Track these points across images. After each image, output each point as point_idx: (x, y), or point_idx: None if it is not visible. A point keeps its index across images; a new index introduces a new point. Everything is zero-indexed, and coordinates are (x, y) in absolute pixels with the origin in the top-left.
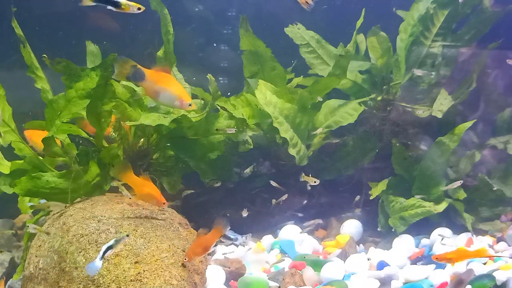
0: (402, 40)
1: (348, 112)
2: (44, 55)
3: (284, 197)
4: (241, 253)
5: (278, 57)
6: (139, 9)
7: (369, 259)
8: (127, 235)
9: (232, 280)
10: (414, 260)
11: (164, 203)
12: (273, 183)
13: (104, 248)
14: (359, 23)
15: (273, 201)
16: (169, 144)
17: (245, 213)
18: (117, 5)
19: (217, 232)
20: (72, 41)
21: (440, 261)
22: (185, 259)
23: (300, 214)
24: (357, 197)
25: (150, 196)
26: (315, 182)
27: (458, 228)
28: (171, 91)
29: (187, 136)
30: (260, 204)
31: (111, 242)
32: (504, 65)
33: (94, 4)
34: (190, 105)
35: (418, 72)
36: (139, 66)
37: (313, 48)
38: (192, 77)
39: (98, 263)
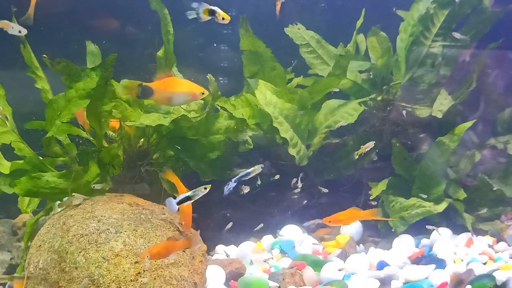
0: (402, 40)
1: (348, 112)
2: (44, 55)
3: (277, 176)
4: (241, 253)
5: (278, 57)
6: (223, 18)
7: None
8: (205, 188)
9: (232, 280)
10: (414, 260)
11: (182, 223)
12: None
13: (182, 196)
14: (359, 23)
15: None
16: (177, 147)
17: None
18: (213, 13)
19: (186, 244)
20: (73, 42)
21: (334, 224)
22: (147, 256)
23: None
24: (374, 203)
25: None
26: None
27: (458, 228)
28: (180, 91)
29: (187, 136)
30: (260, 204)
31: (189, 193)
32: (504, 65)
33: (209, 18)
34: (203, 93)
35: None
36: (144, 83)
37: (313, 48)
38: (192, 77)
39: (175, 206)
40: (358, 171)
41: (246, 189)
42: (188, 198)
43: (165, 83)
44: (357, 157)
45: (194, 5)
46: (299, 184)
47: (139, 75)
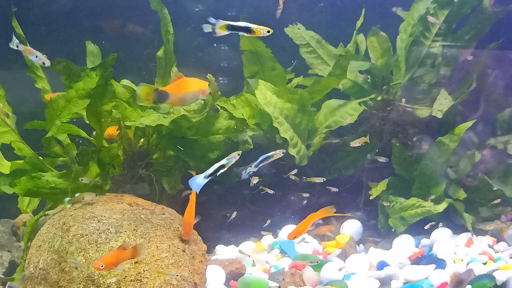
0: (402, 40)
1: (348, 112)
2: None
3: (294, 171)
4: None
5: (278, 57)
6: (268, 32)
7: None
8: (238, 154)
9: (232, 280)
10: (414, 260)
11: (183, 232)
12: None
13: (215, 166)
14: (359, 23)
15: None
16: (179, 148)
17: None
18: (249, 30)
19: (132, 253)
20: (73, 42)
21: (299, 236)
22: (101, 265)
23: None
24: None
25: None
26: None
27: (458, 228)
28: (192, 90)
29: (187, 136)
30: (260, 204)
31: (223, 161)
32: (504, 65)
33: (227, 33)
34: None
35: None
36: (160, 88)
37: (313, 48)
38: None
39: (203, 180)
40: (358, 171)
41: (255, 180)
42: (222, 167)
43: (178, 85)
44: (360, 144)
45: (212, 20)
46: (297, 180)
47: (139, 75)
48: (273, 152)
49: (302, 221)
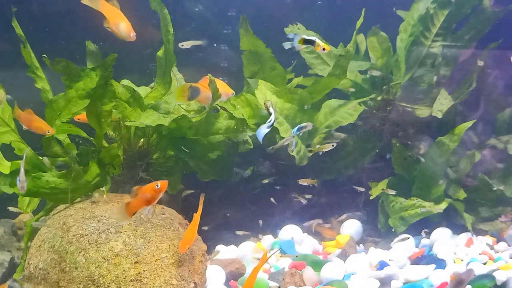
0: (402, 40)
1: (348, 112)
2: (44, 55)
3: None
4: (241, 253)
5: (278, 57)
6: (323, 49)
7: (367, 270)
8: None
9: (232, 280)
10: (414, 260)
11: (180, 245)
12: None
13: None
14: (359, 23)
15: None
16: (183, 148)
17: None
18: (313, 43)
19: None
20: (73, 42)
21: None
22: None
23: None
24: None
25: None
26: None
27: (458, 228)
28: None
29: (187, 136)
30: (260, 204)
31: (272, 119)
32: (504, 65)
33: (304, 47)
34: (233, 94)
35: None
36: (193, 84)
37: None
38: (192, 77)
39: (265, 129)
40: (358, 171)
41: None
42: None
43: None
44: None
45: (290, 35)
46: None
47: (140, 75)
48: (305, 124)
49: (249, 276)
